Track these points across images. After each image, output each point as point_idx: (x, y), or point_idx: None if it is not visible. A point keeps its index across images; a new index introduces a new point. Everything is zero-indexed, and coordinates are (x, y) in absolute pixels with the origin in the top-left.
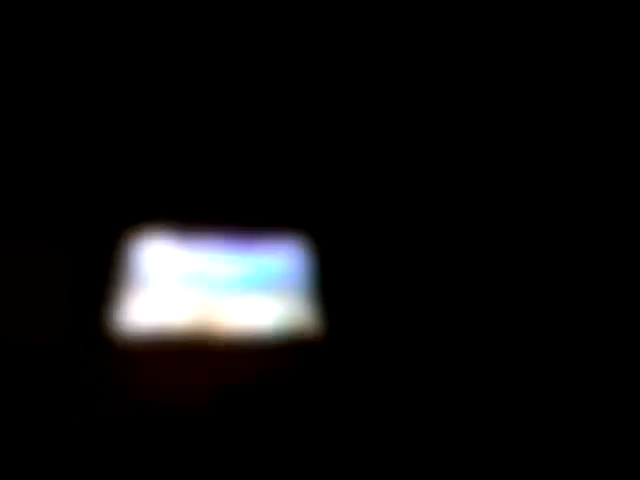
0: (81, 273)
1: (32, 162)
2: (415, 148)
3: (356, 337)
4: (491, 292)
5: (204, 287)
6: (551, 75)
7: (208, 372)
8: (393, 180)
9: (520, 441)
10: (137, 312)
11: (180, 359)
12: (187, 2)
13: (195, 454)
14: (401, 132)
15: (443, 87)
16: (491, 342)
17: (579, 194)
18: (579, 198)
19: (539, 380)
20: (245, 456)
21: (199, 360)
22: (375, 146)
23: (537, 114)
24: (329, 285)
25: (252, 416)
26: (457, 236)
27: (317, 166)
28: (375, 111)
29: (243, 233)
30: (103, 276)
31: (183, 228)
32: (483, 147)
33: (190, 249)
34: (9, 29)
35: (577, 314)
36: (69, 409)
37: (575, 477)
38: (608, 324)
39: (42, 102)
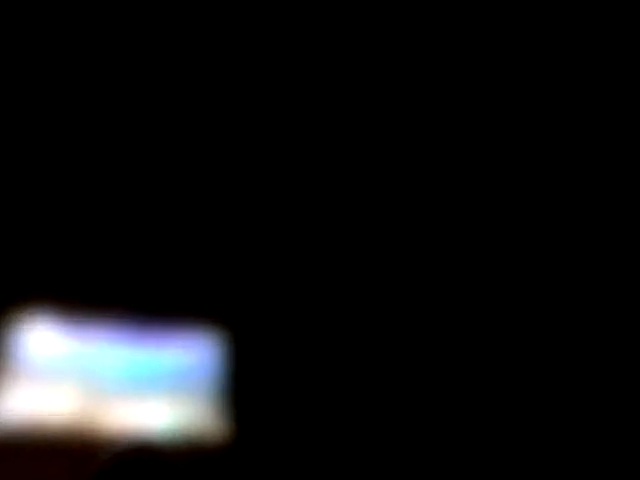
0: None
1: None
2: (333, 237)
3: (269, 444)
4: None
5: (88, 381)
6: (551, 75)
7: (83, 476)
8: (317, 267)
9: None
10: (11, 405)
11: (53, 460)
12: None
13: None
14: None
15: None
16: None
17: (579, 194)
18: (579, 198)
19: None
20: None
21: (74, 463)
22: (294, 230)
23: (536, 114)
24: (242, 384)
25: None
26: (385, 324)
27: (233, 247)
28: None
29: (141, 322)
30: None
31: (71, 313)
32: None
33: (77, 337)
34: None
35: (577, 314)
36: None
37: (575, 477)
38: (608, 324)
39: None
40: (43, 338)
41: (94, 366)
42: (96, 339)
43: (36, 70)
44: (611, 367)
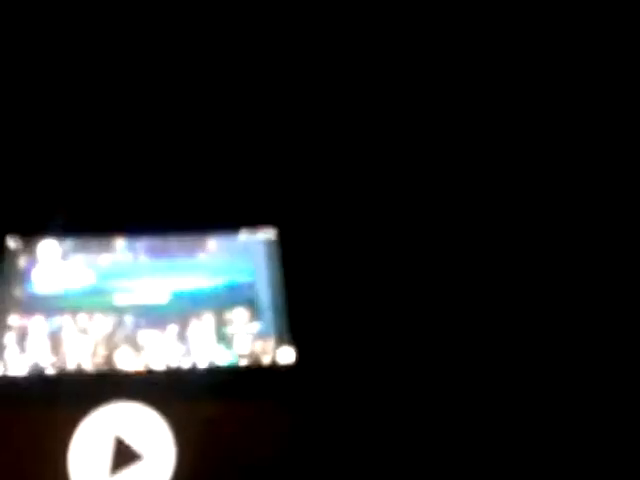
0: None
1: None
2: None
3: (329, 361)
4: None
5: (110, 315)
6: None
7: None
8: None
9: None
10: (13, 351)
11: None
12: None
13: None
14: None
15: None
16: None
17: (579, 194)
18: (579, 198)
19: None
20: None
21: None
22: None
23: (537, 114)
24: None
25: None
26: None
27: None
28: None
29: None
30: None
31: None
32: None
33: (92, 259)
34: None
35: (577, 314)
36: None
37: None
38: (608, 325)
39: None
40: (50, 265)
41: (115, 294)
42: (116, 261)
43: None
44: (611, 367)
